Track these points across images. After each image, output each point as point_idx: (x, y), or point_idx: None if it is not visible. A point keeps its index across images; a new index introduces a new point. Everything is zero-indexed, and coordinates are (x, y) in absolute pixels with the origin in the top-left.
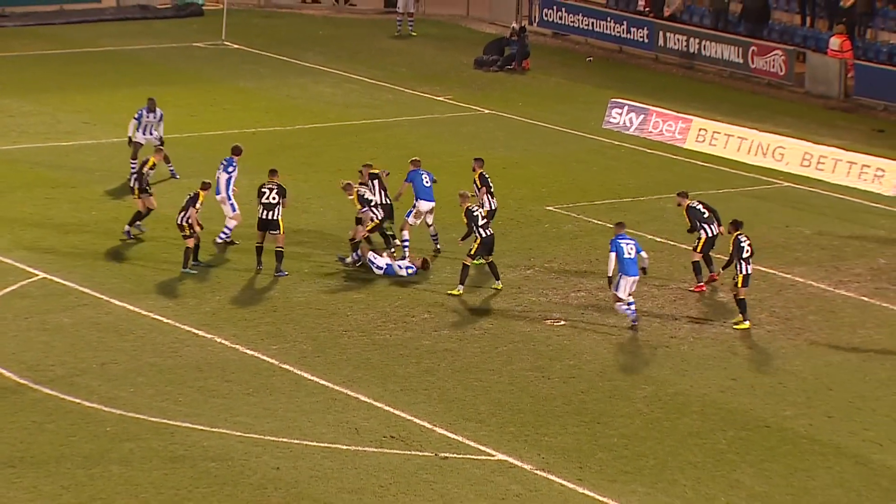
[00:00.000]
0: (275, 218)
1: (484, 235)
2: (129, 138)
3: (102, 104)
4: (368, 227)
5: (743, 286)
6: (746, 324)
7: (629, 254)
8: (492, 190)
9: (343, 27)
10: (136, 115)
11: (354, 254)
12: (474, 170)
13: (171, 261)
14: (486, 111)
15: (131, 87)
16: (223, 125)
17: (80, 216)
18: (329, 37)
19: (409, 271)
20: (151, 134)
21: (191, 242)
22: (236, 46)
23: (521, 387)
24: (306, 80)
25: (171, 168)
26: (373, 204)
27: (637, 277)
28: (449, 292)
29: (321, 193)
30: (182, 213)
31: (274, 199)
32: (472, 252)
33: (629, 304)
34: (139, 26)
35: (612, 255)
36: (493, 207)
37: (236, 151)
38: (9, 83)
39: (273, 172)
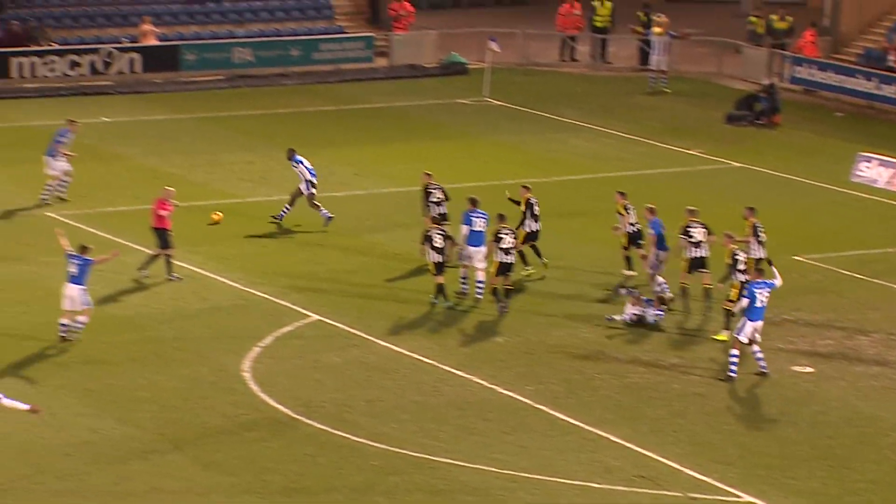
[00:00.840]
0: (705, 255)
1: (743, 280)
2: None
3: (372, 158)
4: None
5: None
6: None
7: (762, 302)
8: (760, 239)
9: (599, 84)
10: (297, 162)
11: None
12: (747, 218)
13: (429, 305)
14: (736, 164)
15: (399, 142)
16: (483, 177)
17: (349, 262)
18: (585, 93)
19: (658, 317)
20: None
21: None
22: (498, 102)
23: (768, 431)
24: (563, 134)
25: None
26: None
27: (762, 323)
28: (714, 337)
29: (574, 243)
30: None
31: (510, 243)
32: (732, 298)
33: (754, 351)
34: (408, 84)
35: (746, 300)
36: (762, 257)
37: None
38: (288, 137)
39: (502, 217)
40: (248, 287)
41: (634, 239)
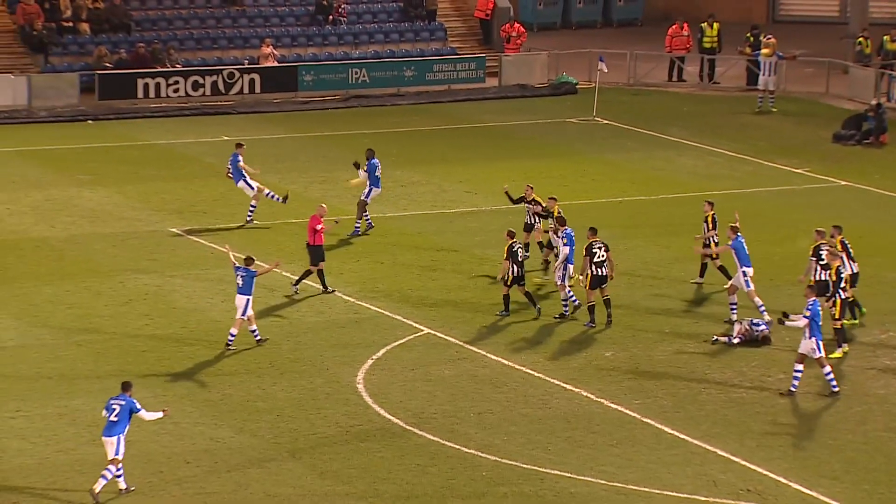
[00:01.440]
0: (605, 274)
1: (842, 297)
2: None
3: (482, 175)
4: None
5: None
6: None
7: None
8: (852, 255)
9: (706, 104)
10: (368, 169)
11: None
12: (834, 236)
13: (542, 318)
14: (843, 183)
15: (508, 160)
16: (591, 195)
17: (461, 277)
18: (693, 113)
19: (763, 331)
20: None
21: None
22: (605, 122)
23: (875, 447)
24: (670, 153)
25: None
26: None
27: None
28: (829, 356)
29: (681, 258)
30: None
31: (603, 256)
32: (837, 315)
33: (826, 373)
34: (518, 103)
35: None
36: (855, 271)
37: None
38: (401, 156)
39: (594, 231)
40: (361, 301)
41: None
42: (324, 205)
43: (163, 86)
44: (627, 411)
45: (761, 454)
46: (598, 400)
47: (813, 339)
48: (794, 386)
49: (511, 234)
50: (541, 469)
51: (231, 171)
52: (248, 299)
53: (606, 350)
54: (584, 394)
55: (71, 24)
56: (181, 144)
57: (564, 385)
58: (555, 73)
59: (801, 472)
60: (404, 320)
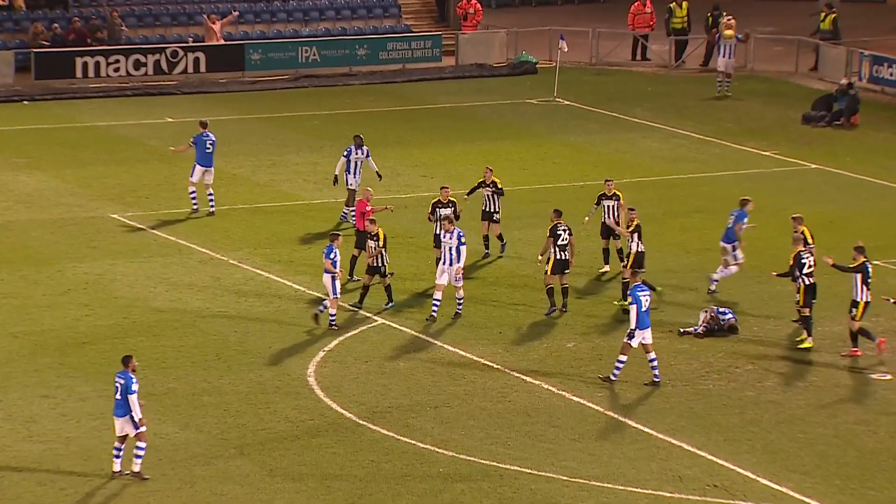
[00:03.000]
0: (567, 258)
1: (806, 284)
2: (335, 177)
3: (439, 158)
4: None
5: None
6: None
7: (645, 306)
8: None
9: (671, 84)
10: (345, 153)
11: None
12: (795, 229)
13: (501, 306)
14: (813, 166)
15: (467, 142)
16: (552, 178)
17: (417, 264)
18: (657, 93)
19: (730, 320)
20: (358, 174)
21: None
22: (567, 102)
23: (846, 440)
24: (634, 135)
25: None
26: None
27: (650, 328)
28: (799, 346)
29: (646, 246)
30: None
31: (566, 240)
32: (801, 303)
33: (651, 360)
34: (475, 84)
35: (634, 307)
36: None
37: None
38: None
39: (559, 213)
40: (313, 290)
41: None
42: (370, 188)
43: (102, 65)
44: (590, 404)
45: (729, 448)
46: (560, 392)
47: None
48: (615, 371)
49: (558, 214)
50: (500, 465)
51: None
52: (332, 277)
53: (568, 341)
54: (546, 386)
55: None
56: (122, 126)
57: (524, 377)
58: (514, 52)
59: (769, 467)
60: (358, 310)
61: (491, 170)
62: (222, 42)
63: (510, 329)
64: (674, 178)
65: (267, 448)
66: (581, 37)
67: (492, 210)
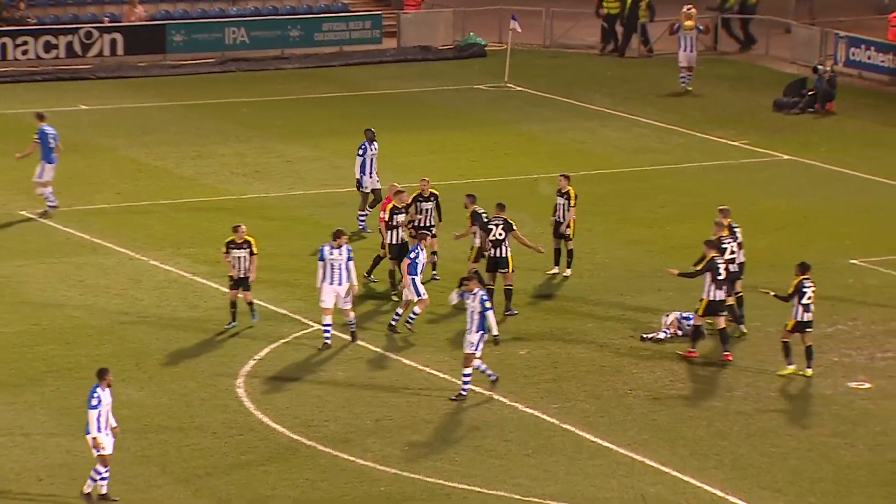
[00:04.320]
0: (504, 256)
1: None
2: (358, 181)
3: (382, 149)
4: None
5: None
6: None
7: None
8: (739, 242)
9: (632, 68)
10: (360, 151)
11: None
12: (721, 221)
13: (446, 312)
14: (785, 157)
15: (411, 132)
16: (504, 171)
17: (356, 265)
18: (618, 78)
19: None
20: (374, 172)
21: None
22: (519, 88)
23: (821, 454)
24: (593, 123)
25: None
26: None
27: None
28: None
29: (606, 243)
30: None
31: (501, 234)
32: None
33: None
34: (419, 68)
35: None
36: (741, 261)
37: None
38: (286, 127)
39: (501, 207)
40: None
41: None
42: (396, 183)
43: (9, 47)
44: (544, 416)
45: (695, 464)
46: (512, 404)
47: (478, 332)
48: (464, 390)
49: (501, 208)
50: (447, 483)
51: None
52: (413, 279)
53: (521, 348)
54: (496, 397)
55: None
56: (32, 115)
57: (473, 388)
58: (461, 34)
59: (739, 484)
60: (291, 315)
61: (427, 181)
62: (142, 23)
63: (457, 336)
64: (635, 171)
65: (192, 466)
66: (534, 16)
67: (430, 224)
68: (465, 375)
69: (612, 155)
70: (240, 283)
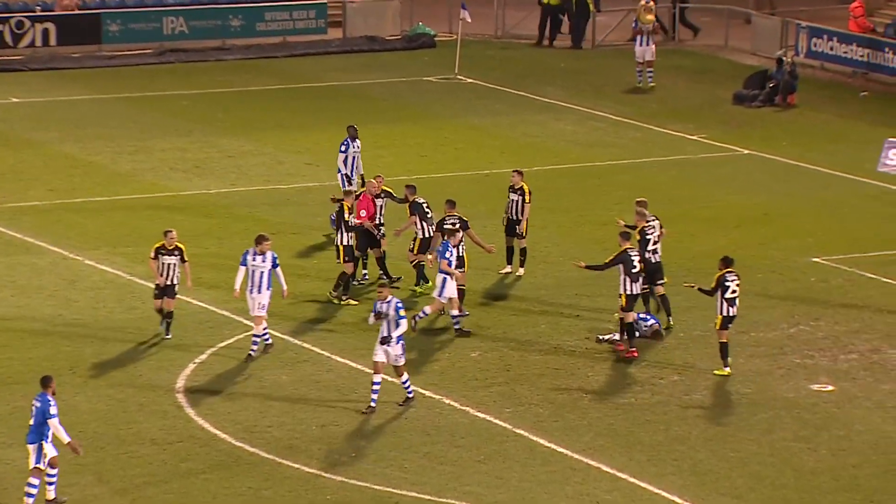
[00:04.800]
0: (459, 254)
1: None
2: (348, 178)
3: (327, 144)
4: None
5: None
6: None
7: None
8: (648, 238)
9: (586, 59)
10: (342, 148)
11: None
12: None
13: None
14: (746, 151)
15: (357, 126)
16: (455, 166)
17: (300, 264)
18: (571, 70)
19: (652, 327)
20: (356, 168)
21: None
22: (470, 80)
23: (783, 459)
24: (546, 116)
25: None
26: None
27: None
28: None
29: (560, 241)
30: None
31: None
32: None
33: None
34: (366, 59)
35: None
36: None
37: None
38: (228, 121)
39: (452, 204)
40: (181, 294)
41: None
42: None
43: None
44: (497, 421)
45: (653, 469)
46: (463, 408)
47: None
48: (373, 402)
49: (451, 204)
50: (395, 491)
51: None
52: (445, 279)
53: (472, 350)
54: (447, 401)
55: None
56: None
57: (423, 391)
58: (409, 24)
59: (698, 490)
60: (232, 317)
61: (381, 177)
62: (76, 12)
63: (406, 337)
64: (590, 166)
65: (128, 474)
66: (485, 6)
67: (381, 223)
68: (374, 384)
69: (565, 149)
70: (165, 292)
